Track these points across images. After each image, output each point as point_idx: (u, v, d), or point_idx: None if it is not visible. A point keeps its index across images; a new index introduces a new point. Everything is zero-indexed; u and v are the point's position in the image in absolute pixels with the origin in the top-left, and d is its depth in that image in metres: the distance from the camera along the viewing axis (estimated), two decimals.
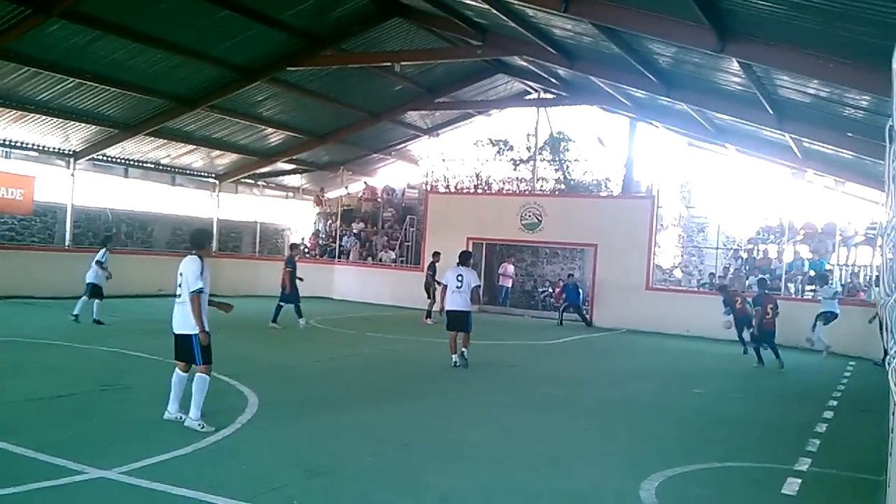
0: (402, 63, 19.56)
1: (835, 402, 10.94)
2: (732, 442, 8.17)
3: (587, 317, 20.90)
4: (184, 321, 7.19)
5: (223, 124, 22.38)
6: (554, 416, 8.95)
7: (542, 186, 27.27)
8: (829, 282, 18.09)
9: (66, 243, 21.70)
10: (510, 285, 25.44)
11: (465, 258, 12.44)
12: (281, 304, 16.33)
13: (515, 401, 9.77)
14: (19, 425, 6.85)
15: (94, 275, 15.38)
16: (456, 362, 11.95)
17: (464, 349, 12.07)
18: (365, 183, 30.40)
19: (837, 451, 8.00)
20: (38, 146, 20.75)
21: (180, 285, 7.20)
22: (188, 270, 7.16)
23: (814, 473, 6.94)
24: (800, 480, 6.60)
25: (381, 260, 25.86)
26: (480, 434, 7.80)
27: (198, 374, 7.20)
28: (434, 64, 21.80)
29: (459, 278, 12.04)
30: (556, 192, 26.65)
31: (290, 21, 17.60)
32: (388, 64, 19.58)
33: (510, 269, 24.86)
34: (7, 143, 20.05)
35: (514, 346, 15.92)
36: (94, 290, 15.30)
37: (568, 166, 28.13)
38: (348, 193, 30.36)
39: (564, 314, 21.29)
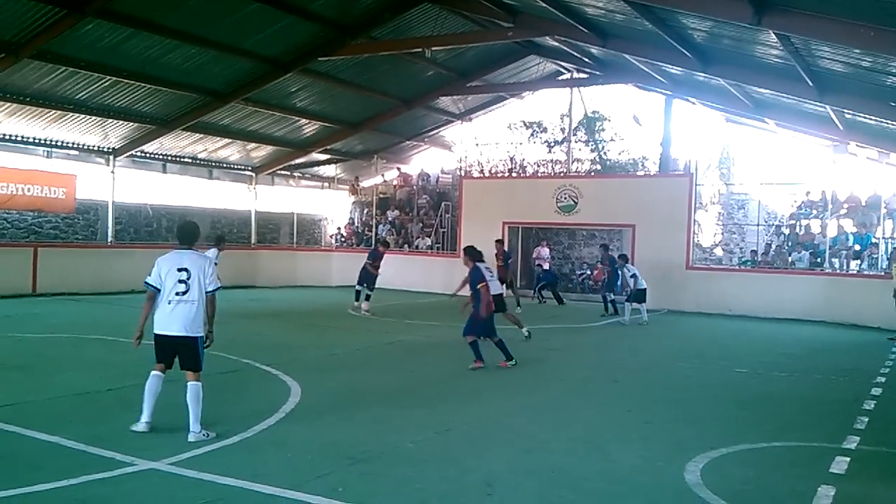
0: (433, 48, 19.48)
1: (883, 379, 10.71)
2: (777, 421, 8.04)
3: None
4: (190, 322, 6.56)
5: (258, 117, 22.57)
6: (594, 399, 8.91)
7: (577, 168, 27.06)
8: None
9: (109, 240, 22.13)
10: (546, 269, 25.29)
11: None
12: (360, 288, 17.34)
13: (555, 385, 9.74)
14: (70, 419, 7.01)
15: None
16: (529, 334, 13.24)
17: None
18: (399, 170, 30.44)
19: (887, 428, 7.85)
20: (78, 145, 21.16)
21: (184, 281, 6.54)
22: (198, 266, 6.64)
23: (863, 451, 6.81)
24: (848, 459, 6.48)
25: (416, 247, 25.91)
26: (520, 419, 7.79)
27: (194, 382, 6.57)
28: (465, 48, 21.69)
29: (489, 269, 12.31)
30: (592, 173, 26.42)
31: (319, 11, 17.65)
32: (419, 50, 19.54)
33: (545, 252, 24.75)
34: (48, 142, 20.48)
35: (552, 329, 15.85)
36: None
37: (603, 146, 27.85)
38: (384, 181, 30.45)
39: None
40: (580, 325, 16.64)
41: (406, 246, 26.22)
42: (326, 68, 20.56)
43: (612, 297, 18.91)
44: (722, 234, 25.91)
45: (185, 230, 7.02)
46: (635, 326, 16.40)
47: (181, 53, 17.66)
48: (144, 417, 6.52)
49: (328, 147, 26.33)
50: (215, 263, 15.03)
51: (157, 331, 6.57)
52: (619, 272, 18.26)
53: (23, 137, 19.89)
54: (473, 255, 11.06)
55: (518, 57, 24.03)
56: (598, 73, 23.19)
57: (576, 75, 25.42)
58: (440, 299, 20.00)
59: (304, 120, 23.77)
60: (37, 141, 20.22)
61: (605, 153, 27.84)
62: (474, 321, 10.58)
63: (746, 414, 8.36)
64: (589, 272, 24.97)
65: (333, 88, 22.02)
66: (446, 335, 14.52)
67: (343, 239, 28.03)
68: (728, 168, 27.49)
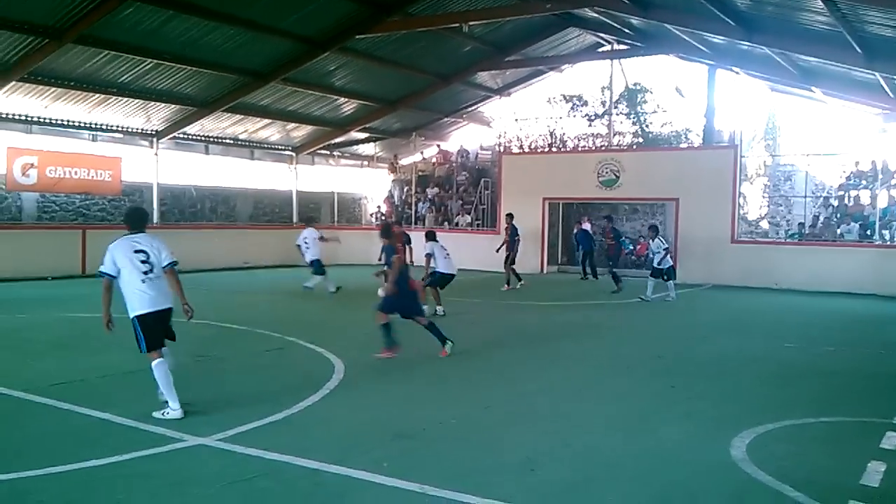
0: (470, 23, 19.34)
1: None
2: (826, 396, 7.90)
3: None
4: (168, 294, 6.76)
5: (297, 97, 22.70)
6: (637, 375, 8.84)
7: (619, 141, 26.71)
8: None
9: (155, 221, 22.52)
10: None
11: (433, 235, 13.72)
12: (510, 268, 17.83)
13: (596, 361, 9.69)
14: (121, 397, 7.19)
15: (314, 252, 15.97)
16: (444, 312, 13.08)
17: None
18: (438, 147, 30.39)
19: None
20: (123, 128, 21.53)
21: (145, 261, 6.62)
22: (152, 246, 6.74)
23: None
24: None
25: (456, 224, 25.90)
26: (562, 395, 7.77)
27: (161, 360, 6.62)
28: (502, 21, 21.46)
29: (444, 248, 13.56)
30: (634, 146, 26.05)
31: None
32: (456, 25, 19.39)
33: (586, 227, 24.52)
34: (93, 126, 20.86)
35: (594, 305, 15.77)
36: (319, 266, 16.01)
37: (645, 119, 27.43)
38: (423, 159, 30.45)
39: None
40: (622, 301, 16.49)
41: (446, 223, 26.23)
42: (363, 46, 20.54)
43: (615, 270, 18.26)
44: (768, 206, 25.39)
45: (135, 216, 7.07)
46: (680, 302, 16.20)
47: (220, 35, 17.80)
48: (175, 405, 6.49)
49: (367, 125, 26.39)
50: (320, 238, 16.02)
51: (149, 309, 6.59)
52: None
53: (69, 121, 20.31)
54: (386, 233, 10.59)
55: (557, 29, 23.72)
56: (638, 44, 22.81)
57: (616, 47, 25.04)
58: (480, 276, 20.00)
59: (342, 99, 23.83)
60: (82, 125, 20.61)
61: (647, 126, 27.43)
62: (391, 298, 9.61)
63: (793, 389, 8.22)
64: (632, 247, 24.69)
65: (371, 66, 22.01)
66: (487, 312, 14.55)
67: (383, 216, 28.15)
68: (774, 139, 26.90)
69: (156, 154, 22.54)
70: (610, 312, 14.83)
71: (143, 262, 6.62)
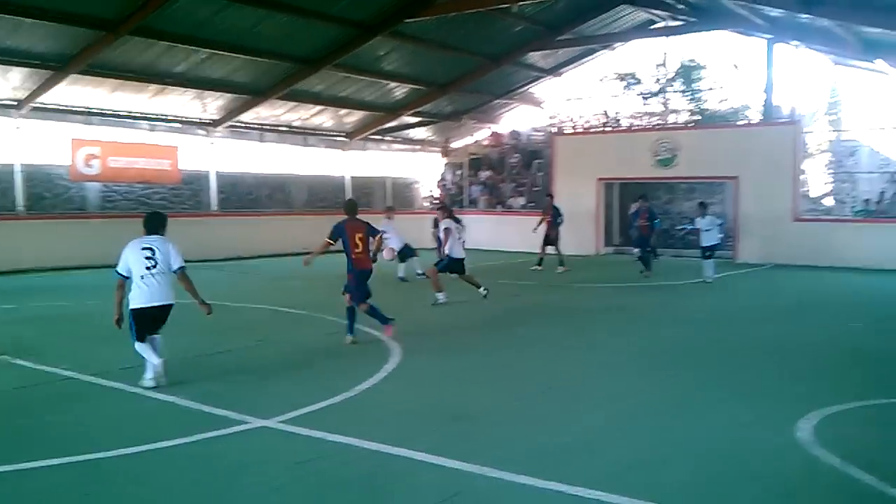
0: (520, 3, 19.09)
1: None
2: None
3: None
4: (169, 291, 7.24)
5: (349, 82, 22.79)
6: (699, 357, 8.70)
7: (675, 119, 26.19)
8: None
9: (214, 208, 22.96)
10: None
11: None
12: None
13: (658, 343, 9.55)
14: (186, 380, 7.36)
15: (399, 241, 15.69)
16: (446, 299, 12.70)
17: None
18: (489, 129, 30.23)
19: None
20: (179, 117, 21.93)
21: (150, 258, 7.11)
22: (163, 246, 7.28)
23: None
24: None
25: (509, 207, 25.78)
26: (624, 376, 7.69)
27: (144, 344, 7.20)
28: (552, 0, 21.17)
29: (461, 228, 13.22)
30: (691, 124, 25.51)
31: None
32: (506, 5, 19.18)
33: (642, 208, 24.14)
34: (151, 116, 21.31)
35: (654, 287, 15.54)
36: (405, 251, 15.97)
37: (702, 96, 26.84)
38: (475, 142, 30.32)
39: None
40: (682, 282, 16.22)
41: (499, 206, 26.13)
42: (413, 30, 20.48)
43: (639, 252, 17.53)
44: (832, 183, 24.61)
45: (152, 220, 7.58)
46: (740, 282, 15.86)
47: (272, 23, 17.95)
48: (148, 374, 7.06)
49: (418, 109, 26.36)
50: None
51: (145, 304, 7.04)
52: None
53: (128, 112, 20.77)
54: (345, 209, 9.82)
55: (608, 7, 23.29)
56: (693, 19, 22.24)
57: (669, 23, 24.47)
58: (534, 259, 19.87)
59: (393, 83, 23.85)
60: (140, 115, 21.07)
61: (703, 103, 26.82)
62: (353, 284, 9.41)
63: (861, 370, 7.99)
64: (689, 227, 24.25)
65: (420, 50, 21.96)
66: (542, 294, 14.47)
67: (436, 201, 28.18)
68: (837, 114, 26.03)
69: (212, 142, 22.94)
70: (669, 293, 14.59)
71: (147, 258, 7.09)
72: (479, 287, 13.03)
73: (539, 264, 18.18)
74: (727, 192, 22.23)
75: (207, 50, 18.39)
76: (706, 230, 15.70)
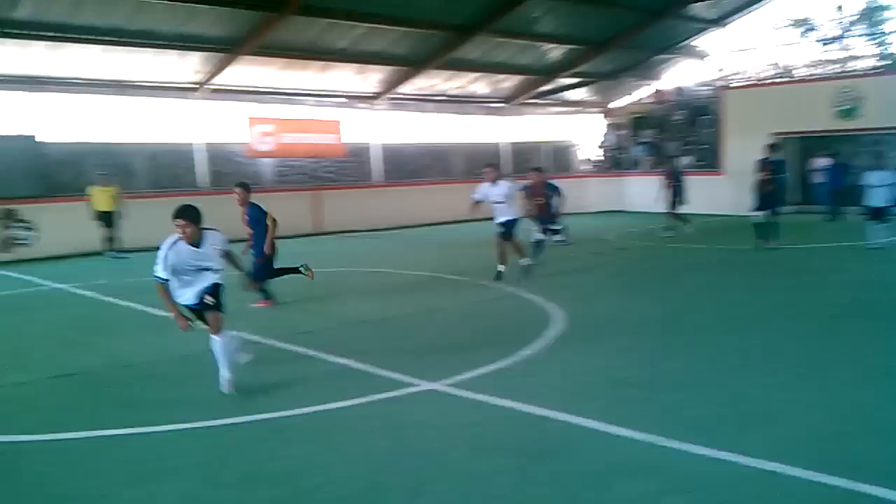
0: None
1: None
2: None
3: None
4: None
5: (504, 48, 22.67)
6: (888, 324, 7.99)
7: (857, 67, 24.00)
8: None
9: (377, 179, 23.71)
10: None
11: None
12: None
13: (841, 310, 8.84)
14: (359, 344, 7.67)
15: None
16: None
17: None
18: (652, 86, 29.05)
19: None
20: (343, 92, 22.74)
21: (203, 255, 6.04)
22: (220, 240, 6.21)
23: None
24: None
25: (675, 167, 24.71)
26: (804, 342, 7.21)
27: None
28: None
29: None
30: (877, 71, 23.29)
31: None
32: None
33: (822, 163, 22.42)
34: (316, 91, 22.25)
35: (837, 248, 14.43)
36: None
37: (888, 39, 24.40)
38: (637, 100, 29.28)
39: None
40: (868, 242, 14.92)
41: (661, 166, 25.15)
42: None
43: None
44: None
45: (191, 211, 6.13)
46: None
47: None
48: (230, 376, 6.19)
49: (575, 70, 25.78)
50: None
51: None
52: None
53: (294, 89, 21.79)
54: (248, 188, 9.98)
55: None
56: None
57: None
58: (700, 220, 19.04)
59: (548, 45, 23.44)
60: (306, 92, 22.04)
61: (890, 47, 24.38)
62: (259, 266, 9.56)
63: None
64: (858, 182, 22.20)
65: (576, 8, 21.38)
66: (708, 258, 13.86)
67: (599, 163, 27.57)
68: None
69: (374, 115, 23.63)
70: (856, 255, 13.46)
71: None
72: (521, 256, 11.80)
73: (680, 225, 17.44)
74: None
75: (366, 24, 18.89)
76: (878, 186, 13.48)
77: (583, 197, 25.01)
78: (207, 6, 16.59)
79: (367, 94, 23.30)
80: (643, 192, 18.47)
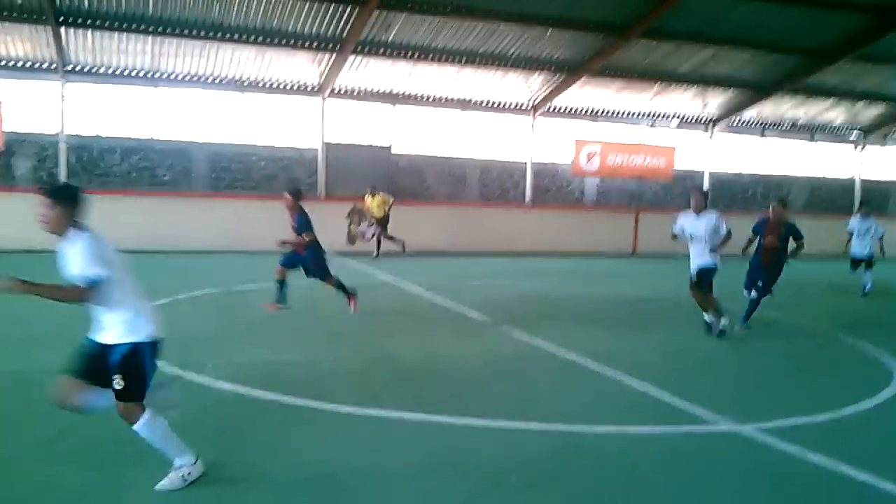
0: None
1: None
2: None
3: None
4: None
5: (869, 74, 20.38)
6: None
7: None
8: None
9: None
10: None
11: None
12: None
13: None
14: (657, 371, 7.40)
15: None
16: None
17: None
18: None
19: None
20: (679, 115, 22.18)
21: None
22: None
23: None
24: None
25: None
26: None
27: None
28: None
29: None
30: None
31: None
32: None
33: None
34: (651, 115, 21.97)
35: None
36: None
37: None
38: None
39: None
40: None
41: None
42: None
43: None
44: None
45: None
46: None
47: (784, 15, 16.93)
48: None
49: None
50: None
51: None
52: None
53: (629, 112, 21.72)
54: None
55: None
56: None
57: None
58: None
59: None
60: (641, 114, 21.84)
61: None
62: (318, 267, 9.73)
63: None
64: None
65: None
66: None
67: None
68: None
69: (710, 138, 22.72)
70: None
71: None
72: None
73: None
74: None
75: (713, 47, 18.22)
76: None
77: None
78: (556, 29, 17.11)
79: (704, 119, 22.47)
80: None
